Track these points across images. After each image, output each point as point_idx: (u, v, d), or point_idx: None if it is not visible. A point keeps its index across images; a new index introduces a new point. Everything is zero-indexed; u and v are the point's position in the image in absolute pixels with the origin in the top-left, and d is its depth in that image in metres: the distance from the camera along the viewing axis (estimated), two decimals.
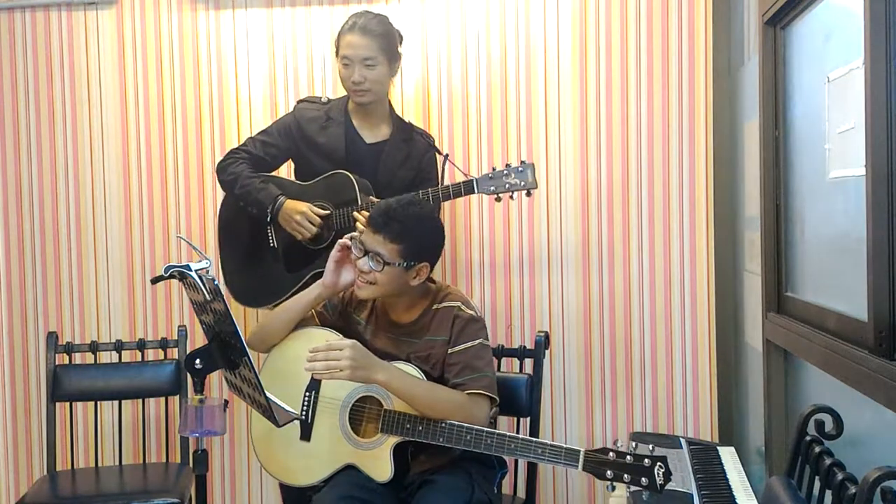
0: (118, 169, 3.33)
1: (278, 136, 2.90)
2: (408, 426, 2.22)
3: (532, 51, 3.18)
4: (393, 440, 2.24)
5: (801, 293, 2.35)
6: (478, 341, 2.32)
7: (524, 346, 2.71)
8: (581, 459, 2.08)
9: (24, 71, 3.34)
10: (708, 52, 3.10)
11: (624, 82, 3.15)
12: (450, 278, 3.22)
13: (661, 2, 3.12)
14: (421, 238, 2.31)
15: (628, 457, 2.04)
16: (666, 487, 2.02)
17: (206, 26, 3.29)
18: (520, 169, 2.67)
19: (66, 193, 3.35)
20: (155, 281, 2.10)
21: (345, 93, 2.90)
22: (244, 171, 2.84)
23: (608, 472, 2.05)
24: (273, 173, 2.95)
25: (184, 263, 2.00)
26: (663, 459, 2.03)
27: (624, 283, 3.17)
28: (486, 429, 2.18)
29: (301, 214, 2.75)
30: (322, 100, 2.96)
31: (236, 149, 2.93)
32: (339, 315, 2.46)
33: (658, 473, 2.01)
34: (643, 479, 2.02)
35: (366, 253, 2.28)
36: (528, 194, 2.73)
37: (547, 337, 2.70)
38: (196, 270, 1.95)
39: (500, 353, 2.67)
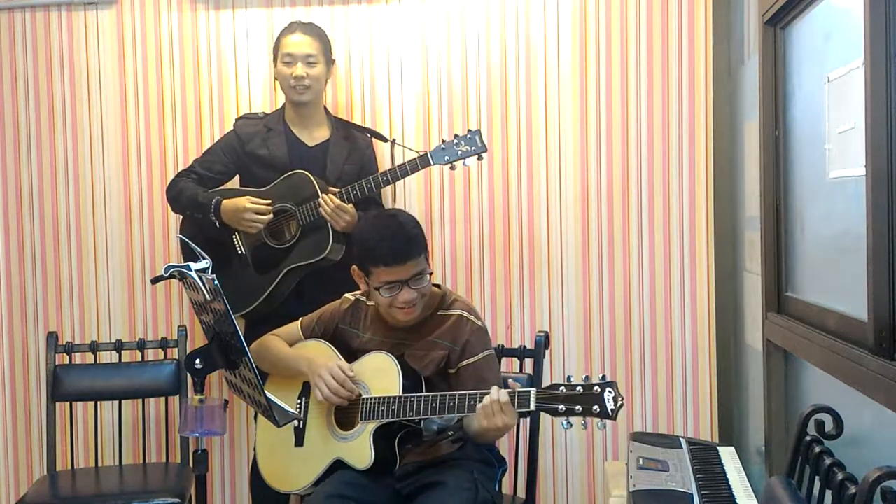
0: (118, 169, 3.33)
1: (222, 153, 3.04)
2: (382, 408, 2.23)
3: (532, 51, 3.18)
4: (371, 425, 2.26)
5: (801, 293, 2.35)
6: (488, 352, 2.37)
7: (524, 346, 2.71)
8: (533, 399, 2.06)
9: (24, 71, 3.34)
10: (708, 52, 3.11)
11: (624, 82, 3.15)
12: (450, 279, 3.22)
13: (661, 2, 3.12)
14: (423, 237, 2.35)
15: (578, 388, 2.02)
16: (618, 413, 1.98)
17: (206, 26, 3.29)
18: (468, 136, 2.80)
19: (66, 193, 3.35)
20: (155, 281, 2.10)
21: (278, 107, 3.07)
22: (189, 185, 2.99)
23: (560, 407, 2.02)
24: (236, 187, 3.06)
25: (184, 263, 2.00)
26: (613, 385, 2.00)
27: (624, 283, 3.18)
28: (448, 393, 2.18)
29: (247, 210, 2.87)
30: (260, 115, 3.10)
31: (183, 170, 3.07)
32: (333, 331, 2.48)
33: (608, 399, 1.98)
34: (594, 407, 1.99)
35: (403, 285, 2.26)
36: (480, 158, 2.84)
37: (547, 337, 2.70)
38: (196, 270, 1.95)
39: (500, 353, 2.67)
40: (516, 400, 2.08)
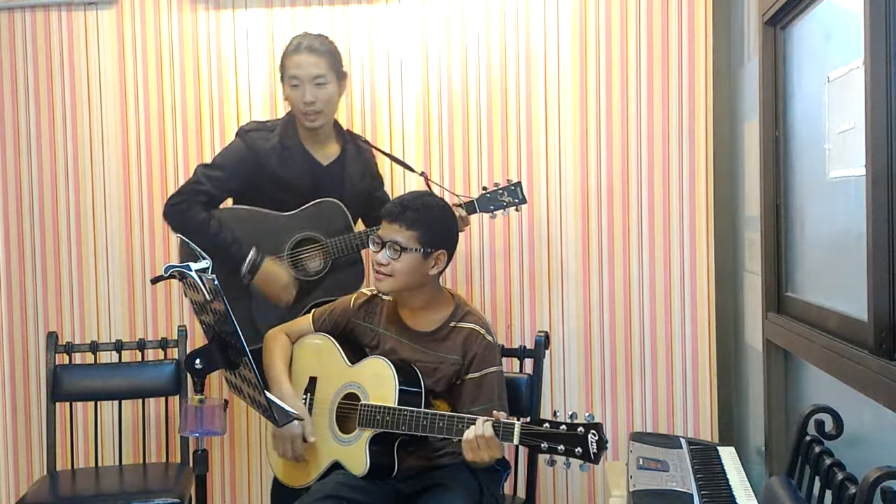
0: (118, 169, 3.33)
1: (233, 170, 2.78)
2: (378, 418, 2.24)
3: (532, 51, 3.18)
4: (368, 433, 2.26)
5: (801, 293, 2.35)
6: (493, 369, 2.35)
7: (524, 346, 2.71)
8: (516, 433, 2.04)
9: (24, 71, 3.34)
10: (708, 52, 3.10)
11: (624, 82, 3.15)
12: (450, 279, 3.22)
13: (661, 2, 3.12)
14: (436, 224, 2.33)
15: (562, 426, 1.99)
16: (601, 456, 1.96)
17: (206, 26, 3.29)
18: (511, 188, 2.84)
19: (66, 193, 3.35)
20: (155, 281, 2.10)
21: (279, 112, 2.96)
22: (204, 219, 2.72)
23: (543, 445, 2.00)
24: (254, 207, 2.83)
25: (184, 263, 2.00)
26: (598, 427, 1.97)
27: (624, 283, 3.17)
28: (438, 412, 2.19)
29: (283, 288, 2.73)
30: (268, 124, 2.87)
31: (189, 188, 2.78)
32: (344, 326, 2.48)
33: (591, 442, 1.96)
34: (577, 448, 1.97)
35: (383, 245, 2.30)
36: (518, 210, 2.88)
37: (547, 337, 2.70)
38: (196, 270, 1.95)
39: (501, 353, 2.67)
40: (500, 432, 2.07)
